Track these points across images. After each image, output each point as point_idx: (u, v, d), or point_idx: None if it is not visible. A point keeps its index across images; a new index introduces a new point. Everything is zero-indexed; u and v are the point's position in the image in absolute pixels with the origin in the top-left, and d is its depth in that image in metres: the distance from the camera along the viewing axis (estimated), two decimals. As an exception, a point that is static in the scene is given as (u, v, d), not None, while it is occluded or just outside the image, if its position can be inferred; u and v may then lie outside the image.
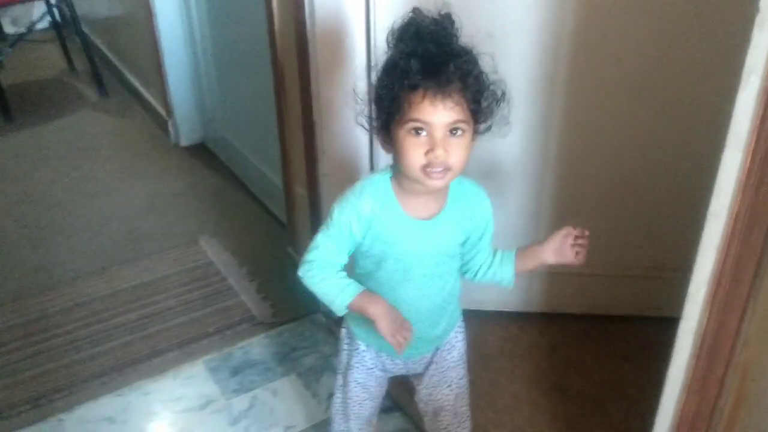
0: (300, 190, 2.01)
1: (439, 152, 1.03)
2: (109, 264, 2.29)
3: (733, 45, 0.87)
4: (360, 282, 1.19)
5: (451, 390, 1.34)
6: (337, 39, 1.66)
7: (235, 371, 1.86)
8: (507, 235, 1.84)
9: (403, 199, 1.14)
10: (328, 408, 1.73)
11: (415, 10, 1.07)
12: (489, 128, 1.12)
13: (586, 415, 1.70)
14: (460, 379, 1.34)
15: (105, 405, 1.77)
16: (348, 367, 1.33)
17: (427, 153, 1.04)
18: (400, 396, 1.69)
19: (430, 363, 1.33)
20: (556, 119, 1.70)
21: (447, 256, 1.19)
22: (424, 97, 1.02)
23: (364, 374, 1.32)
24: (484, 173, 1.77)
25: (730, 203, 0.86)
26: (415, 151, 1.05)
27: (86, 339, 1.98)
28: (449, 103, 1.02)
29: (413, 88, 1.02)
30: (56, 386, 1.82)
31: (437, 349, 1.31)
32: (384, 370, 1.34)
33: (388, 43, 1.08)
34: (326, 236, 1.16)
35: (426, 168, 1.05)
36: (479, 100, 1.06)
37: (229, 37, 2.56)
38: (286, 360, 1.88)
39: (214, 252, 2.32)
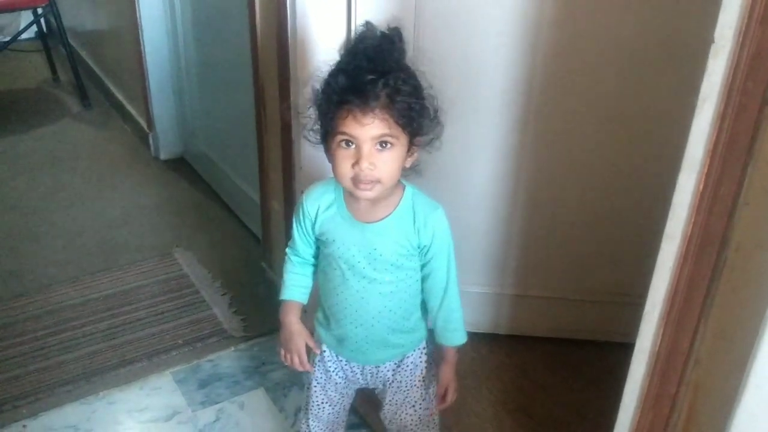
0: (276, 206, 2.02)
1: (364, 165, 1.08)
2: (81, 273, 2.28)
3: (699, 75, 0.90)
4: (321, 282, 1.28)
5: (414, 411, 1.34)
6: (318, 58, 1.69)
7: (203, 383, 1.85)
8: (476, 258, 1.89)
9: (350, 201, 1.20)
10: (294, 423, 1.73)
11: (367, 24, 1.13)
12: (431, 141, 1.16)
13: (549, 437, 1.72)
14: (423, 400, 1.34)
15: (70, 413, 1.76)
16: (311, 365, 1.35)
17: (353, 165, 1.09)
18: (367, 413, 1.70)
19: (392, 381, 1.33)
20: (528, 146, 1.74)
21: (389, 263, 1.20)
22: (349, 113, 1.06)
23: (323, 376, 1.35)
24: (454, 195, 1.80)
25: (684, 225, 0.89)
26: (343, 163, 1.10)
27: (55, 346, 1.97)
28: (375, 119, 1.06)
29: (340, 104, 1.07)
30: (22, 392, 1.81)
31: (397, 367, 1.32)
32: (345, 379, 1.35)
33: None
34: (294, 230, 1.27)
35: (354, 179, 1.10)
36: (409, 115, 1.09)
37: (213, 53, 2.58)
38: (254, 374, 1.88)
39: (187, 264, 2.32)
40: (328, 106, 1.10)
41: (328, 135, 1.12)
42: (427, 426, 1.37)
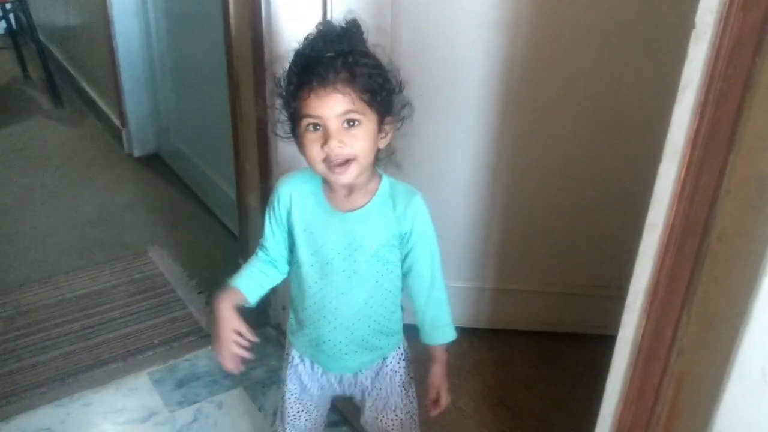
0: (252, 202, 2.00)
1: (333, 144, 1.05)
2: (54, 272, 2.24)
3: (678, 66, 0.89)
4: (295, 283, 1.23)
5: (396, 416, 1.31)
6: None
7: (180, 383, 1.82)
8: (456, 253, 1.88)
9: (327, 191, 1.16)
10: (274, 422, 1.71)
11: (325, 22, 1.13)
12: (401, 120, 1.14)
13: (531, 431, 1.71)
14: (404, 405, 1.31)
15: (44, 415, 1.72)
16: (285, 376, 1.32)
17: (323, 146, 1.06)
18: (346, 410, 1.68)
19: (371, 389, 1.30)
20: (506, 139, 1.73)
21: (368, 254, 1.17)
22: (310, 92, 1.04)
23: (298, 388, 1.31)
24: (433, 189, 1.78)
25: (666, 214, 0.88)
26: (312, 147, 1.07)
27: (28, 348, 1.93)
28: (336, 95, 1.04)
29: (300, 86, 1.05)
30: (-7, 395, 1.77)
31: (376, 376, 1.29)
32: (321, 389, 1.31)
33: None
34: (266, 223, 1.22)
35: (326, 162, 1.07)
36: (372, 88, 1.07)
37: (187, 48, 2.55)
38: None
39: (163, 263, 2.28)
40: (289, 92, 1.08)
41: (295, 123, 1.10)
42: (410, 428, 1.34)
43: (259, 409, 1.75)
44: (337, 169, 1.07)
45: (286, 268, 1.25)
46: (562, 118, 1.70)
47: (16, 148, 3.05)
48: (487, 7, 1.59)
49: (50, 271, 2.25)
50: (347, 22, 1.10)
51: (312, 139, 1.07)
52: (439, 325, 1.25)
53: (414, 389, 1.33)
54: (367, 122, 1.08)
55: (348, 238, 1.16)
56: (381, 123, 1.11)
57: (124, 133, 2.98)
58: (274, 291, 1.93)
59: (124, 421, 1.72)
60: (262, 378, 1.84)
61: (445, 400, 1.28)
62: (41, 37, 3.58)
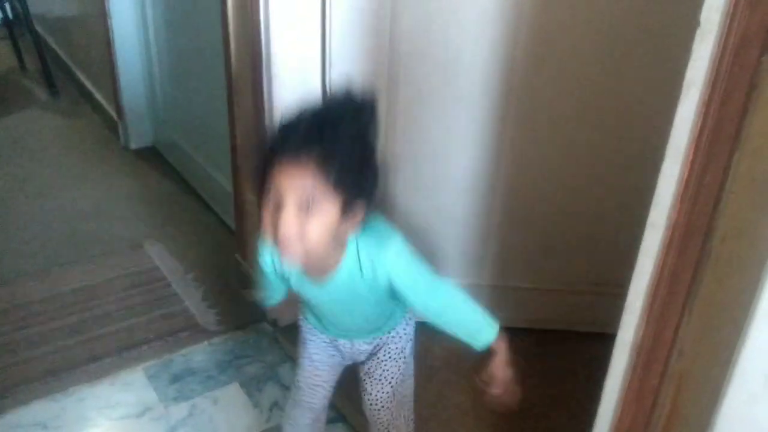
0: (250, 197, 1.98)
1: (282, 225, 0.99)
2: (49, 265, 2.22)
3: (680, 64, 0.88)
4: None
5: (390, 386, 1.35)
6: (291, 45, 1.65)
7: (175, 378, 1.81)
8: (455, 249, 1.86)
9: None
10: (270, 418, 1.70)
11: (339, 90, 1.08)
12: (369, 205, 1.07)
13: (528, 429, 1.70)
14: (398, 377, 1.35)
15: (38, 410, 1.71)
16: (302, 341, 1.36)
17: (274, 222, 1.01)
18: (344, 407, 1.68)
19: (374, 353, 1.34)
20: (506, 136, 1.72)
21: (354, 303, 1.20)
22: (279, 165, 0.99)
23: (316, 348, 1.35)
24: (432, 186, 1.77)
25: (668, 214, 0.87)
26: (268, 224, 1.02)
27: (22, 341, 1.91)
28: (300, 174, 0.98)
29: (272, 157, 1.00)
30: (-13, 390, 1.76)
31: (380, 340, 1.33)
32: (335, 348, 1.35)
33: None
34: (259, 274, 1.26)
35: (277, 242, 1.02)
36: (343, 176, 1.00)
37: (184, 40, 2.52)
38: (228, 368, 1.85)
39: (159, 257, 2.27)
40: (263, 162, 1.02)
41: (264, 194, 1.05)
42: (401, 406, 1.38)
43: (255, 406, 1.74)
44: (283, 251, 1.03)
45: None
46: (562, 116, 1.68)
47: (12, 140, 3.03)
48: (488, 4, 1.57)
49: (45, 264, 2.23)
50: (364, 100, 1.06)
51: (269, 216, 1.02)
52: (475, 330, 1.20)
53: (411, 371, 1.38)
54: (328, 208, 1.01)
55: (332, 295, 1.18)
56: (346, 207, 1.03)
57: (120, 125, 2.96)
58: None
59: (119, 416, 1.71)
60: (257, 374, 1.83)
61: (503, 390, 1.22)
62: (38, 28, 3.55)
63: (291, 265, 1.11)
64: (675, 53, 0.90)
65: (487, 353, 1.21)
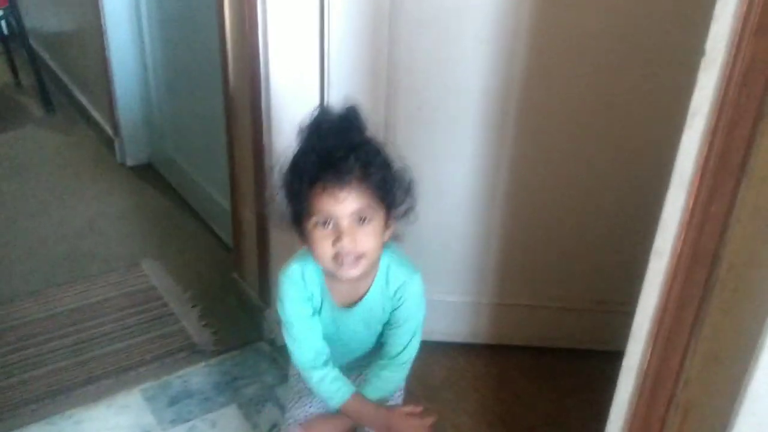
0: (248, 215, 1.97)
1: (345, 241, 1.06)
2: (45, 285, 2.20)
3: (679, 87, 0.88)
4: None
5: None
6: (290, 62, 1.64)
7: (173, 401, 1.79)
8: (455, 267, 1.85)
9: (331, 285, 1.19)
10: (268, 440, 1.68)
11: (321, 108, 1.13)
12: (407, 212, 1.15)
13: (529, 450, 1.69)
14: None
15: (34, 434, 1.69)
16: (298, 396, 1.37)
17: (334, 243, 1.07)
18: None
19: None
20: (506, 152, 1.71)
21: (372, 331, 1.24)
22: (324, 189, 1.05)
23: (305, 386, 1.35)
24: (432, 203, 1.76)
25: (674, 242, 0.86)
26: (323, 243, 1.08)
27: (18, 364, 1.89)
28: (351, 193, 1.05)
29: (313, 182, 1.06)
30: (-18, 414, 1.74)
31: None
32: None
33: (297, 140, 1.12)
34: (289, 332, 1.24)
35: (336, 258, 1.08)
36: (384, 187, 1.09)
37: (181, 56, 2.52)
38: (226, 390, 1.83)
39: (156, 276, 2.25)
40: (300, 187, 1.08)
41: (302, 217, 1.10)
42: None
43: (254, 428, 1.72)
44: (346, 266, 1.09)
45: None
46: (562, 133, 1.68)
47: (7, 157, 3.01)
48: (486, 20, 1.57)
49: (40, 284, 2.21)
50: (347, 110, 1.10)
51: (322, 236, 1.08)
52: (389, 387, 1.28)
53: (403, 396, 1.38)
54: (377, 218, 1.10)
55: (355, 326, 1.23)
56: (387, 217, 1.13)
57: (116, 142, 2.95)
58: (268, 306, 1.93)
59: (116, 439, 1.69)
60: (255, 395, 1.81)
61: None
62: (33, 44, 3.55)
63: (352, 276, 1.11)
64: (674, 71, 0.90)
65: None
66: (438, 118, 1.68)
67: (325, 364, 1.24)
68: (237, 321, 2.02)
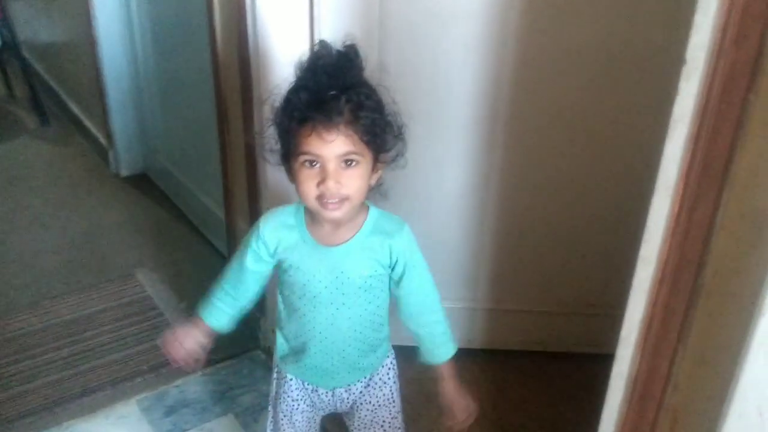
0: (242, 224, 1.98)
1: (330, 184, 1.05)
2: (41, 297, 2.21)
3: (667, 94, 0.88)
4: (283, 311, 1.24)
5: (384, 431, 1.32)
6: (280, 73, 1.65)
7: (170, 411, 1.80)
8: (448, 273, 1.86)
9: (311, 226, 1.16)
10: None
11: (321, 43, 1.10)
12: (395, 158, 1.14)
13: (525, 454, 1.69)
14: (393, 418, 1.32)
15: (31, 446, 1.70)
16: (276, 397, 1.32)
17: (319, 184, 1.05)
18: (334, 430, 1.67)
19: (360, 402, 1.30)
20: (496, 160, 1.72)
21: (355, 286, 1.17)
22: (312, 129, 1.03)
23: (290, 406, 1.30)
24: (424, 210, 1.77)
25: (660, 249, 0.87)
26: (308, 183, 1.07)
27: (14, 376, 1.90)
28: (339, 136, 1.03)
29: (302, 121, 1.04)
30: (-21, 427, 1.74)
31: (366, 386, 1.29)
32: (312, 405, 1.31)
33: (294, 74, 1.09)
34: (238, 260, 1.23)
35: (320, 199, 1.07)
36: (374, 131, 1.07)
37: (174, 66, 2.53)
38: (223, 399, 1.83)
39: (151, 286, 2.26)
40: (289, 125, 1.06)
41: (290, 155, 1.09)
42: None
43: (250, 436, 1.73)
44: (331, 206, 1.07)
45: (247, 304, 1.27)
46: (551, 139, 1.69)
47: (2, 169, 3.02)
48: (474, 28, 1.58)
49: (36, 295, 2.22)
50: (346, 47, 1.08)
51: (308, 176, 1.06)
52: (440, 342, 1.26)
53: (400, 406, 1.34)
54: (364, 162, 1.08)
55: (335, 272, 1.16)
56: (375, 161, 1.11)
57: (110, 152, 2.96)
58: (263, 314, 1.93)
59: (113, 451, 1.70)
60: (252, 404, 1.81)
61: (461, 415, 1.27)
62: (26, 55, 3.55)
63: (335, 217, 1.09)
64: (662, 77, 0.91)
65: (439, 376, 1.27)
66: (428, 126, 1.69)
67: (221, 299, 1.28)
68: (232, 330, 2.02)
